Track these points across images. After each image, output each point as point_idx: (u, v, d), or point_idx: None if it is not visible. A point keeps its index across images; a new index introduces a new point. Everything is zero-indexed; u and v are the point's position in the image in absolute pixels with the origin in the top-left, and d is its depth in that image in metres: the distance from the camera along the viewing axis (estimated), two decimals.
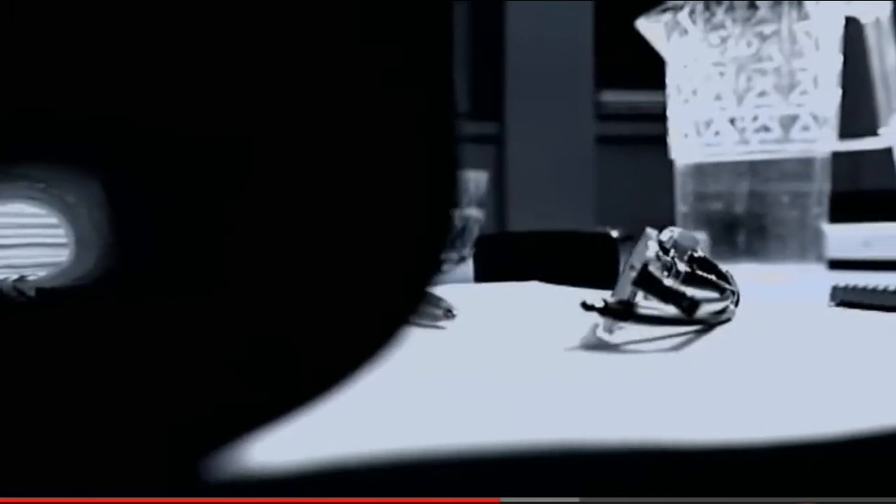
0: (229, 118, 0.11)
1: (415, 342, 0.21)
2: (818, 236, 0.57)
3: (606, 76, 1.75)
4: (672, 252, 0.25)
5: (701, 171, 0.59)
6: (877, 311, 0.37)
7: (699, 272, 0.28)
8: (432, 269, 0.10)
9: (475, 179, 0.86)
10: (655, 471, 0.11)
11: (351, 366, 0.10)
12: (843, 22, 0.56)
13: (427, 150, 0.10)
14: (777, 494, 0.11)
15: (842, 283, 0.40)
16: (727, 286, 0.24)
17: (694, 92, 0.58)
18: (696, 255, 0.28)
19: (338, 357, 0.10)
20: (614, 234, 0.47)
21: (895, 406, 0.13)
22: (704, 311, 0.20)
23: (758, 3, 0.55)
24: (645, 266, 0.19)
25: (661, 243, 0.24)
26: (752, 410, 0.13)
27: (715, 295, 0.24)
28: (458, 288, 0.33)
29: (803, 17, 0.54)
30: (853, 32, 0.59)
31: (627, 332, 0.20)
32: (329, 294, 0.10)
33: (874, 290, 0.38)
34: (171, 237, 0.16)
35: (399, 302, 0.10)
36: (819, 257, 0.57)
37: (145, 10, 0.11)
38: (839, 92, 0.56)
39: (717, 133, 0.57)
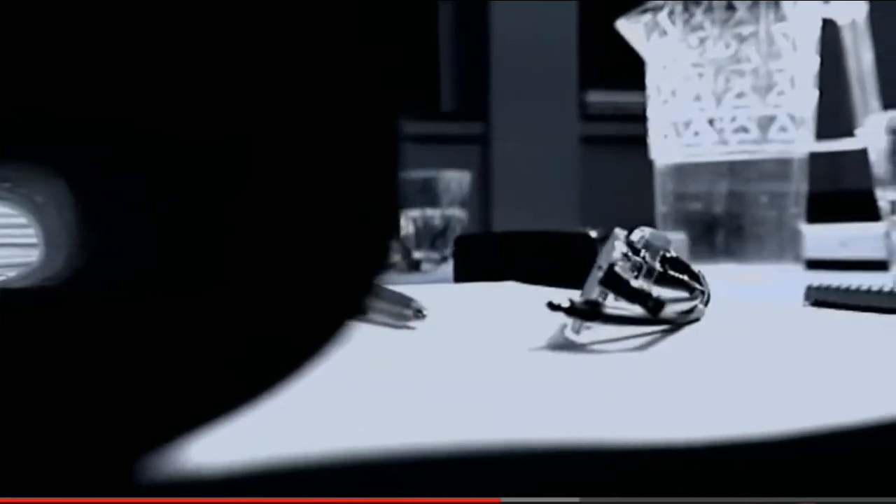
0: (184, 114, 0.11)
1: (382, 342, 0.21)
2: (796, 236, 0.58)
3: (592, 76, 1.76)
4: (643, 252, 0.25)
5: (680, 171, 0.59)
6: (850, 311, 0.38)
7: (672, 272, 0.28)
8: (376, 267, 0.10)
9: (458, 179, 0.87)
10: (612, 470, 0.11)
11: (294, 361, 0.10)
12: (819, 24, 0.56)
13: (368, 151, 0.10)
14: (739, 493, 0.11)
15: (816, 283, 0.40)
16: (697, 286, 0.25)
17: (673, 92, 0.58)
18: (668, 255, 0.28)
19: (281, 352, 0.10)
20: (593, 234, 0.47)
21: (858, 403, 0.13)
22: (671, 311, 0.20)
23: (736, 4, 0.55)
24: (611, 266, 0.19)
25: (631, 244, 0.24)
26: (714, 409, 0.13)
27: (684, 295, 0.24)
28: (433, 288, 0.33)
29: (780, 18, 0.55)
30: (830, 34, 0.59)
31: (596, 331, 0.20)
32: (271, 289, 0.10)
33: (848, 290, 0.39)
34: (137, 238, 0.16)
35: (343, 299, 0.10)
36: (797, 257, 0.58)
37: (131, 7, 0.11)
38: (816, 93, 0.57)
39: (696, 133, 0.57)
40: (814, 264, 0.60)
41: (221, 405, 0.10)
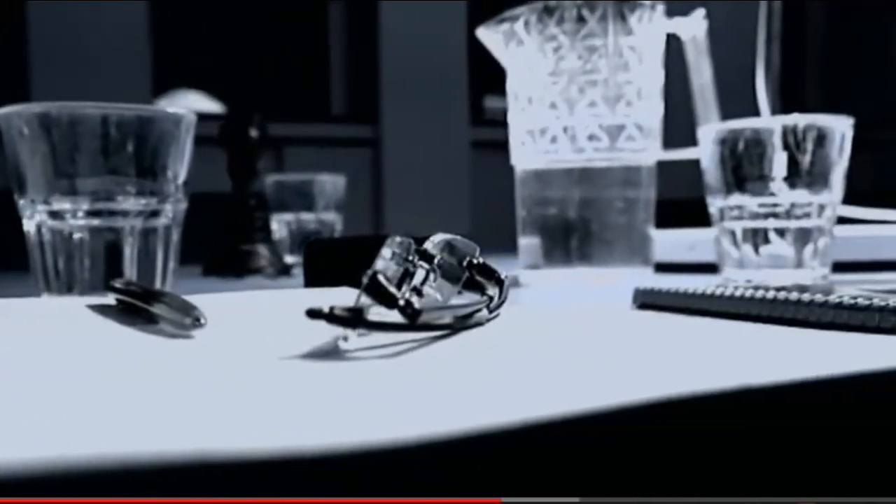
0: None
1: (153, 349, 0.21)
2: (646, 241, 0.60)
3: (486, 81, 1.79)
4: (439, 258, 0.26)
5: (538, 177, 0.61)
6: (672, 313, 0.40)
7: (478, 277, 0.29)
8: None
9: (333, 183, 0.86)
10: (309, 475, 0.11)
11: None
12: (664, 38, 0.59)
13: None
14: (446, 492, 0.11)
15: (644, 286, 0.42)
16: (488, 293, 0.25)
17: (530, 100, 0.60)
18: (474, 261, 0.29)
19: None
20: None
21: (578, 395, 0.14)
22: (441, 316, 0.21)
23: (586, 16, 0.57)
24: (374, 274, 0.19)
25: (423, 251, 0.25)
26: (431, 406, 0.13)
27: (475, 299, 0.25)
28: (244, 295, 0.32)
29: (627, 32, 0.57)
30: (678, 48, 0.63)
31: (375, 338, 0.20)
32: None
33: (673, 293, 0.41)
34: None
35: None
36: (646, 261, 0.61)
37: None
38: (662, 104, 0.59)
39: (551, 140, 0.59)
40: (663, 267, 0.63)
41: None
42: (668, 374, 0.17)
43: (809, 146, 0.45)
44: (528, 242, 0.61)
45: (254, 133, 0.76)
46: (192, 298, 0.35)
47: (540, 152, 0.60)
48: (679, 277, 0.60)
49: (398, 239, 0.22)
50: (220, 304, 0.27)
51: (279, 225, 0.85)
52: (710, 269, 0.64)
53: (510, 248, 0.69)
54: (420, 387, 0.16)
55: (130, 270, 0.40)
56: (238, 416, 0.13)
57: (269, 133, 0.77)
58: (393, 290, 0.19)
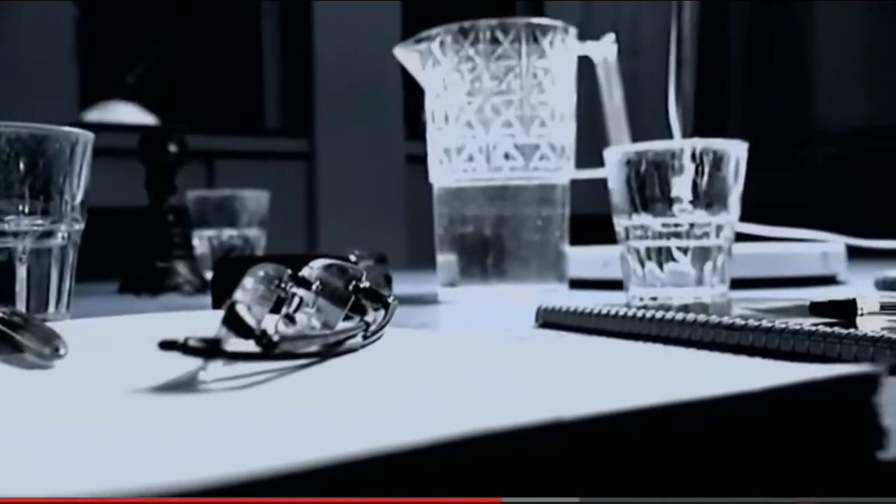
0: None
1: (7, 381, 0.20)
2: (560, 258, 0.62)
3: (422, 96, 1.80)
4: (317, 284, 0.26)
5: (455, 195, 0.61)
6: (573, 332, 0.40)
7: (365, 301, 0.29)
8: None
9: (256, 198, 0.85)
10: None
11: None
12: (575, 61, 0.60)
13: None
14: None
15: (547, 305, 0.43)
16: (365, 319, 0.26)
17: (446, 119, 0.60)
18: (360, 285, 0.29)
19: None
20: (352, 258, 0.47)
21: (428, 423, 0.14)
22: (306, 344, 0.21)
23: (500, 38, 0.58)
24: (231, 304, 0.19)
25: (299, 277, 0.25)
26: (272, 438, 0.13)
27: (350, 325, 0.25)
28: (121, 319, 0.32)
29: (540, 54, 0.58)
30: (591, 70, 0.64)
31: (240, 366, 0.20)
32: None
33: (573, 313, 0.42)
34: None
35: None
36: (561, 277, 0.62)
37: None
38: (574, 125, 0.61)
39: (468, 159, 0.60)
40: (577, 284, 0.64)
41: None
42: (514, 401, 0.17)
43: (706, 169, 0.46)
44: (446, 259, 0.62)
45: (173, 147, 0.75)
46: (68, 324, 0.34)
47: (457, 171, 0.60)
48: (592, 294, 0.62)
49: (269, 266, 0.22)
50: (92, 330, 0.26)
51: (201, 241, 0.83)
52: (623, 285, 0.65)
53: None
54: (253, 421, 0.16)
55: (23, 292, 0.38)
56: (72, 456, 0.13)
57: (202, 147, 0.76)
58: (250, 319, 0.19)
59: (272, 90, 1.83)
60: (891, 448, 0.17)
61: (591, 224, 0.70)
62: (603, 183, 0.66)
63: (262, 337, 0.19)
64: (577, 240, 0.65)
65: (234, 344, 0.19)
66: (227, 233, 0.84)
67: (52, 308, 0.40)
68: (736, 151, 0.47)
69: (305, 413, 0.17)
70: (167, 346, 0.18)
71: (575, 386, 0.18)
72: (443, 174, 0.62)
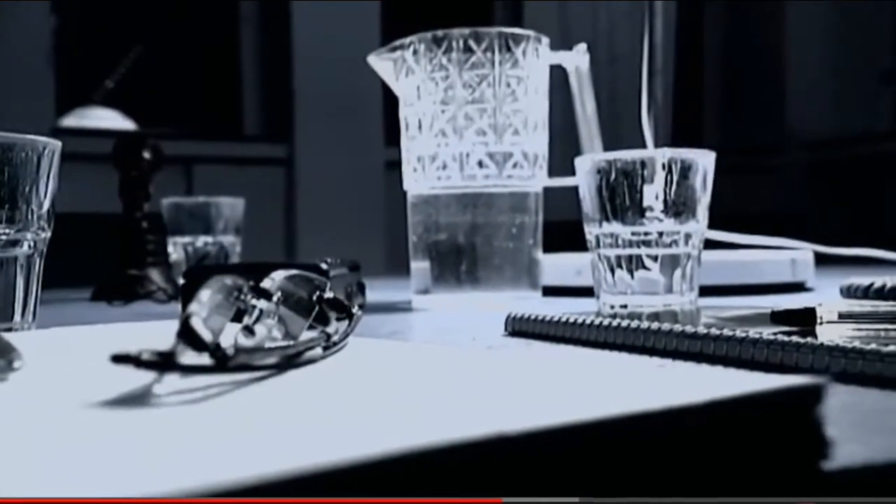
0: None
1: None
2: (534, 265, 0.62)
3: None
4: (279, 295, 0.26)
5: (428, 202, 0.61)
6: (542, 341, 0.41)
7: (329, 311, 0.29)
8: None
9: (231, 205, 0.85)
10: None
11: None
12: (548, 70, 0.61)
13: None
14: None
15: (516, 314, 0.43)
16: (326, 329, 0.26)
17: (420, 127, 0.61)
18: (324, 295, 0.29)
19: None
20: (324, 266, 0.47)
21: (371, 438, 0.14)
22: (263, 357, 0.21)
23: (473, 47, 0.58)
24: (185, 318, 0.19)
25: (259, 288, 0.25)
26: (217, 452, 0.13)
27: (311, 336, 0.25)
28: (82, 329, 0.32)
29: (513, 63, 0.59)
30: (566, 79, 0.64)
31: (196, 379, 0.20)
32: None
33: (542, 321, 0.42)
34: None
35: None
36: (535, 285, 0.62)
37: None
38: (546, 133, 0.61)
39: (441, 167, 0.60)
40: (550, 291, 0.65)
41: None
42: (463, 413, 0.17)
43: (675, 178, 0.47)
44: (419, 267, 0.62)
45: (147, 154, 0.75)
46: (28, 335, 0.34)
47: (431, 178, 0.61)
48: (565, 301, 0.62)
49: (228, 278, 0.22)
50: (53, 341, 0.26)
51: (175, 248, 0.83)
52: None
53: None
54: (202, 434, 0.16)
55: None
56: (22, 468, 0.13)
57: (181, 152, 0.76)
58: (205, 332, 0.19)
59: (251, 96, 1.82)
60: (835, 457, 0.17)
61: (566, 230, 0.71)
62: (578, 190, 0.67)
63: (216, 350, 0.19)
64: (552, 246, 0.66)
65: (190, 357, 0.19)
66: (203, 240, 0.84)
67: (17, 317, 0.40)
68: (704, 161, 0.47)
69: (255, 426, 0.17)
70: (120, 359, 0.18)
71: (524, 398, 0.19)
72: (417, 182, 0.62)
